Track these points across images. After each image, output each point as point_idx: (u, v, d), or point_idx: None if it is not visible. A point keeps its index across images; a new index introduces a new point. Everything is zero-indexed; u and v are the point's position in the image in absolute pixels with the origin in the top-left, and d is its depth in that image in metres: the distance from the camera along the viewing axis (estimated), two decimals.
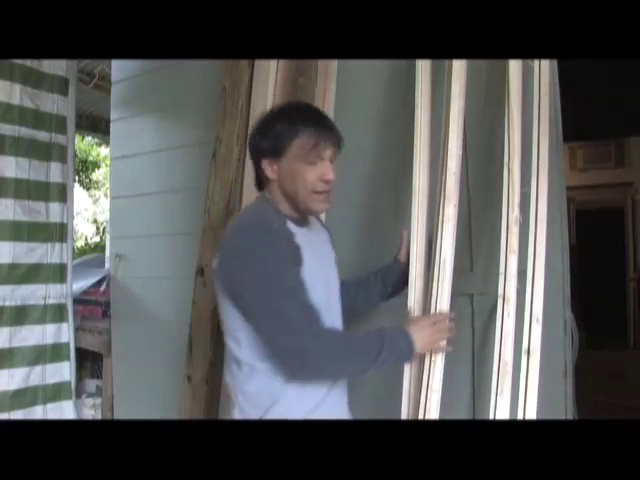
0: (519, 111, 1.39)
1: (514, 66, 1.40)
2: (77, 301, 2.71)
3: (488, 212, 1.58)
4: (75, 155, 2.78)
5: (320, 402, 1.20)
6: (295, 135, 1.16)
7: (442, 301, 1.33)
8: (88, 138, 8.81)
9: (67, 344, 2.58)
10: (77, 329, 2.66)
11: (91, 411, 2.70)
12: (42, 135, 2.48)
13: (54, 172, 2.53)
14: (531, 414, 1.25)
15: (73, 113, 2.61)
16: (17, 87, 2.36)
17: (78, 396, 2.64)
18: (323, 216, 1.75)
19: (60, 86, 2.54)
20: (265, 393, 1.18)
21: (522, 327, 1.31)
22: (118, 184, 2.66)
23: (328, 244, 1.38)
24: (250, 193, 1.74)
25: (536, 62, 1.40)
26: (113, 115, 2.67)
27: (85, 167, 9.96)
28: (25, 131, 2.41)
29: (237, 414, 1.22)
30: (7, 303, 2.38)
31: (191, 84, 2.31)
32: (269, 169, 1.21)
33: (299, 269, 1.15)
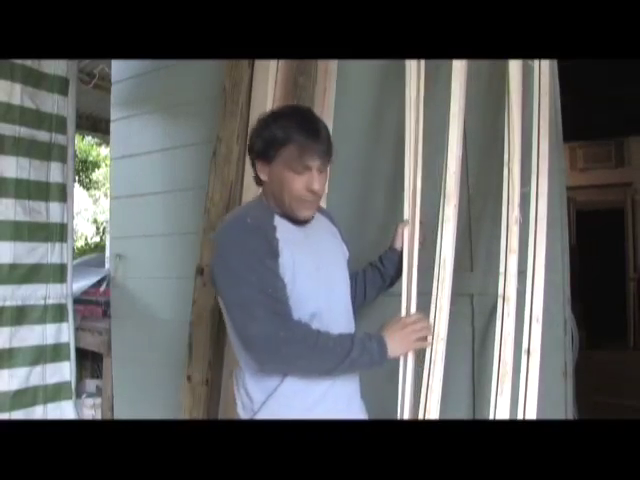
0: (519, 111, 1.39)
1: (514, 66, 1.40)
2: (77, 301, 2.71)
3: (488, 212, 1.58)
4: (75, 155, 2.78)
5: (320, 398, 1.20)
6: (284, 143, 1.17)
7: (442, 301, 1.33)
8: (88, 138, 8.82)
9: (67, 344, 2.58)
10: (77, 329, 2.66)
11: (91, 411, 2.70)
12: (42, 135, 2.48)
13: (54, 172, 2.53)
14: (531, 414, 1.25)
15: (73, 113, 2.61)
16: (17, 87, 2.36)
17: (78, 396, 2.64)
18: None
19: (60, 86, 2.54)
20: (261, 387, 1.19)
21: (522, 327, 1.31)
22: (118, 184, 2.66)
23: (333, 240, 1.37)
24: (250, 193, 1.74)
25: (536, 62, 1.40)
26: (113, 115, 2.67)
27: (85, 167, 9.96)
28: (25, 131, 2.41)
29: (240, 411, 1.24)
30: (7, 303, 2.38)
31: (191, 84, 2.31)
32: (262, 171, 1.23)
33: (273, 262, 1.16)
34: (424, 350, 1.32)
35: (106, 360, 2.65)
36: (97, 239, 9.88)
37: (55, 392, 2.52)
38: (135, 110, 2.57)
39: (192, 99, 2.31)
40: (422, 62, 1.49)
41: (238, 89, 1.95)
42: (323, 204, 1.81)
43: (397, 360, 1.30)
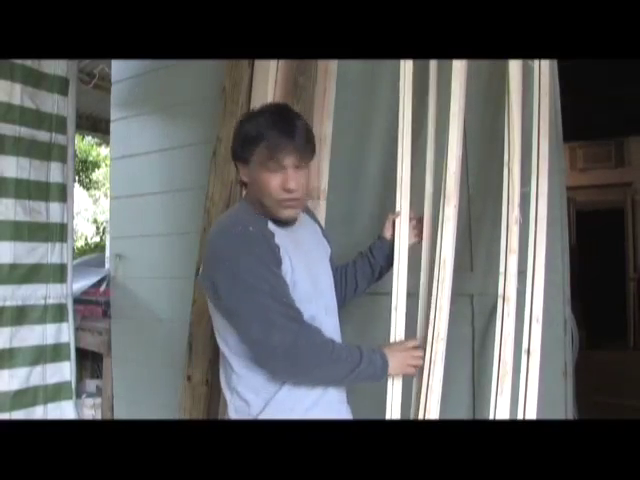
0: (519, 111, 1.39)
1: (514, 66, 1.40)
2: (77, 301, 2.71)
3: (488, 212, 1.58)
4: (75, 155, 2.78)
5: (314, 403, 1.20)
6: (257, 142, 1.15)
7: (442, 301, 1.33)
8: (88, 138, 8.81)
9: (67, 344, 2.58)
10: (77, 329, 2.66)
11: (91, 411, 2.70)
12: (42, 135, 2.47)
13: (54, 172, 2.53)
14: (531, 414, 1.25)
15: (73, 113, 2.61)
16: (18, 87, 2.36)
17: (78, 396, 2.64)
18: (322, 213, 1.76)
19: (60, 86, 2.54)
20: (259, 393, 1.19)
21: (522, 327, 1.31)
22: (118, 184, 2.66)
23: (318, 238, 1.37)
24: None
25: (536, 62, 1.40)
26: (113, 115, 2.67)
27: (85, 167, 9.96)
28: (26, 131, 2.41)
29: (232, 414, 1.22)
30: (8, 303, 2.38)
31: (191, 84, 2.31)
32: (243, 174, 1.22)
33: (279, 269, 1.15)
34: (425, 349, 1.32)
35: (106, 360, 2.65)
36: (97, 239, 9.88)
37: (55, 392, 2.52)
38: (135, 110, 2.57)
39: (192, 99, 2.31)
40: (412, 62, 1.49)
41: (238, 89, 1.95)
42: (323, 203, 1.82)
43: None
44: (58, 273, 2.55)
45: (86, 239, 9.92)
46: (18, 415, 2.36)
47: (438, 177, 1.44)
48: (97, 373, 2.84)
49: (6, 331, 2.37)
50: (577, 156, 5.94)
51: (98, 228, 10.11)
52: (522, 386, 1.27)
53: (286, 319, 1.11)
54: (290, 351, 1.10)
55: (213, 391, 1.89)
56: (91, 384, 2.83)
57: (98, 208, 10.17)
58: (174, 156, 2.38)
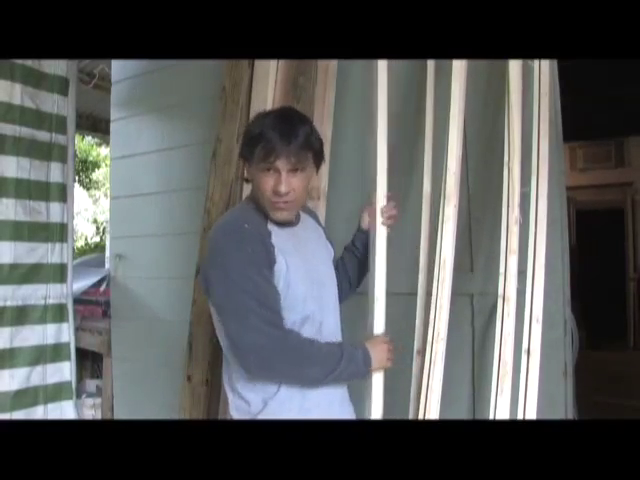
0: (519, 111, 1.39)
1: (514, 66, 1.40)
2: (77, 301, 2.71)
3: (488, 212, 1.58)
4: (75, 155, 2.78)
5: (316, 404, 1.20)
6: (257, 143, 1.16)
7: (442, 301, 1.33)
8: (88, 138, 8.81)
9: (67, 344, 2.58)
10: (77, 329, 2.66)
11: (91, 411, 2.70)
12: (42, 135, 2.47)
13: (54, 172, 2.53)
14: (531, 414, 1.25)
15: (73, 113, 2.61)
16: (18, 87, 2.36)
17: (78, 396, 2.64)
18: (322, 213, 1.76)
19: (60, 86, 2.54)
20: (259, 392, 1.19)
21: (522, 327, 1.31)
22: (118, 184, 2.66)
23: (321, 241, 1.37)
24: None
25: (536, 62, 1.40)
26: (113, 115, 2.67)
27: (85, 167, 9.96)
28: (26, 131, 2.41)
29: (234, 413, 1.23)
30: (8, 303, 2.38)
31: (191, 84, 2.31)
32: (246, 171, 1.25)
33: (270, 269, 1.16)
34: (425, 350, 1.32)
35: (106, 360, 2.65)
36: (97, 239, 9.88)
37: (56, 392, 2.52)
38: (135, 110, 2.57)
39: (192, 99, 2.31)
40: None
41: (238, 89, 1.95)
42: (323, 203, 1.82)
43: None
44: (58, 273, 2.55)
45: (86, 239, 9.92)
46: (19, 415, 2.37)
47: (438, 177, 1.44)
48: (97, 373, 2.84)
49: (6, 331, 2.37)
50: (577, 156, 5.93)
51: (98, 228, 10.10)
52: (522, 386, 1.27)
53: (262, 322, 1.12)
54: (261, 353, 1.12)
55: (213, 391, 1.89)
56: (91, 384, 2.83)
57: (98, 208, 10.17)
58: (174, 156, 2.38)
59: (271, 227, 1.21)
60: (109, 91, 2.70)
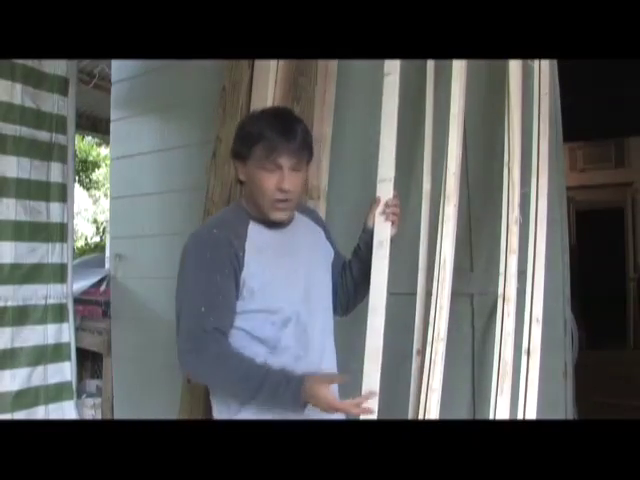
0: (519, 111, 1.39)
1: (514, 66, 1.41)
2: (77, 301, 2.71)
3: (488, 212, 1.58)
4: (75, 155, 2.79)
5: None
6: (256, 141, 1.17)
7: (442, 301, 1.33)
8: (88, 138, 8.81)
9: (68, 344, 2.58)
10: (77, 329, 2.66)
11: (91, 411, 2.70)
12: (43, 135, 2.48)
13: (54, 172, 2.53)
14: (531, 414, 1.25)
15: (73, 113, 2.61)
16: (18, 87, 2.36)
17: (78, 396, 2.64)
18: (322, 213, 1.76)
19: (60, 86, 2.54)
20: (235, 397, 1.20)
21: (522, 327, 1.31)
22: (118, 184, 2.66)
23: (317, 241, 1.35)
24: None
25: (536, 62, 1.40)
26: (113, 115, 2.67)
27: (85, 167, 9.96)
28: (26, 131, 2.41)
29: (215, 414, 1.25)
30: (9, 303, 2.38)
31: (191, 84, 2.31)
32: (240, 173, 1.23)
33: (228, 275, 1.16)
34: (425, 350, 1.32)
35: (106, 360, 2.65)
36: (97, 239, 9.88)
37: (56, 392, 2.52)
38: (135, 110, 2.57)
39: (192, 99, 2.31)
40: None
41: (238, 89, 1.95)
42: (323, 203, 1.82)
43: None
44: (58, 273, 2.56)
45: (86, 239, 9.92)
46: (20, 416, 2.37)
47: (438, 177, 1.44)
48: (97, 373, 2.84)
49: (7, 331, 2.37)
50: (577, 156, 5.93)
51: (98, 228, 10.10)
52: (522, 386, 1.27)
53: (194, 327, 1.15)
54: (187, 357, 1.17)
55: None
56: (91, 384, 2.83)
57: (98, 208, 10.16)
58: (174, 156, 2.38)
59: (253, 228, 1.21)
60: (109, 91, 2.71)
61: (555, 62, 1.51)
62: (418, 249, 1.56)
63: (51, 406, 2.49)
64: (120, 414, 2.56)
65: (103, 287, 2.78)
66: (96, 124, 4.59)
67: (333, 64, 1.86)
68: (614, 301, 5.71)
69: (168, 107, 2.43)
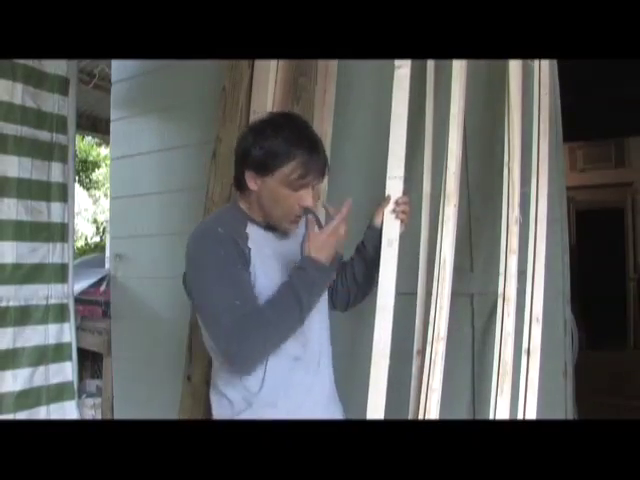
0: (519, 111, 1.39)
1: (514, 66, 1.40)
2: (77, 301, 2.71)
3: (488, 212, 1.58)
4: (75, 155, 2.79)
5: (299, 406, 1.20)
6: (287, 160, 1.15)
7: (442, 301, 1.32)
8: (88, 138, 8.82)
9: (69, 344, 2.58)
10: (77, 329, 2.66)
11: (91, 411, 2.70)
12: (43, 135, 2.48)
13: (55, 172, 2.53)
14: (531, 414, 1.25)
15: (74, 113, 2.62)
16: (19, 87, 2.37)
17: (78, 396, 2.64)
18: (322, 213, 1.76)
19: (61, 86, 2.54)
20: (241, 391, 1.20)
21: (522, 327, 1.31)
22: (118, 184, 2.66)
23: None
24: None
25: (536, 62, 1.39)
26: (113, 115, 2.67)
27: (85, 167, 9.97)
28: (27, 131, 2.41)
29: (215, 413, 1.25)
30: (11, 303, 2.38)
31: (191, 84, 2.31)
32: (252, 181, 1.20)
33: (244, 269, 1.16)
34: (424, 350, 1.32)
35: (106, 360, 2.65)
36: (97, 239, 9.89)
37: (58, 392, 2.52)
38: (135, 110, 2.57)
39: (192, 99, 2.31)
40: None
41: (238, 89, 1.95)
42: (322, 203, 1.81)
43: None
44: (59, 273, 2.56)
45: (86, 239, 9.92)
46: (22, 416, 2.37)
47: (438, 177, 1.44)
48: (97, 373, 2.84)
49: (9, 331, 2.37)
50: (577, 156, 5.93)
51: (98, 228, 10.11)
52: (522, 386, 1.27)
53: (234, 321, 1.10)
54: (241, 352, 1.11)
55: None
56: (91, 384, 2.83)
57: (98, 208, 10.17)
58: (174, 156, 2.38)
59: (252, 229, 1.21)
60: (109, 91, 2.71)
61: (555, 62, 1.51)
62: (418, 249, 1.56)
63: (52, 406, 2.49)
64: (120, 414, 2.56)
65: (103, 287, 2.78)
66: (96, 124, 4.60)
67: (333, 64, 1.86)
68: (614, 301, 5.70)
69: (168, 107, 2.43)
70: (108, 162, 6.11)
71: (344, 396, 1.37)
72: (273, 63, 1.87)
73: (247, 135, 1.22)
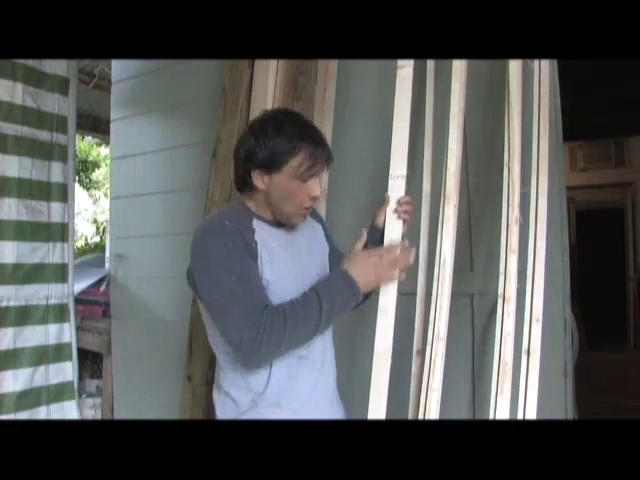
0: (519, 111, 1.39)
1: (514, 66, 1.40)
2: (77, 301, 2.71)
3: (488, 212, 1.58)
4: (75, 155, 2.79)
5: (301, 405, 1.20)
6: (293, 154, 1.16)
7: (442, 301, 1.32)
8: (88, 138, 8.82)
9: (69, 344, 2.58)
10: (77, 329, 2.67)
11: (91, 411, 2.70)
12: (44, 135, 2.48)
13: (55, 172, 2.53)
14: (531, 414, 1.25)
15: (74, 113, 2.62)
16: (19, 87, 2.37)
17: (78, 396, 2.64)
18: (323, 212, 1.76)
19: (61, 86, 2.54)
20: (245, 391, 1.20)
21: (522, 327, 1.31)
22: (118, 184, 2.66)
23: (313, 237, 1.35)
24: None
25: (536, 62, 1.40)
26: (113, 115, 2.67)
27: (85, 167, 9.97)
28: (27, 131, 2.41)
29: (219, 412, 1.24)
30: (12, 303, 2.39)
31: (191, 84, 2.32)
32: (259, 180, 1.20)
33: (252, 262, 1.15)
34: (424, 350, 1.32)
35: (106, 360, 2.65)
36: (97, 239, 9.89)
37: (58, 392, 2.53)
38: (135, 110, 2.57)
39: (192, 99, 2.31)
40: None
41: (238, 89, 1.95)
42: (323, 203, 1.82)
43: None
44: (59, 273, 2.56)
45: (86, 239, 9.93)
46: (22, 416, 2.38)
47: (438, 177, 1.44)
48: (97, 373, 2.84)
49: (10, 332, 2.37)
50: (577, 156, 5.94)
51: (98, 228, 10.11)
52: (522, 386, 1.27)
53: (243, 313, 1.09)
54: (247, 342, 1.09)
55: None
56: (91, 384, 2.84)
57: (98, 208, 10.17)
58: (174, 156, 2.38)
59: (258, 224, 1.21)
60: (109, 91, 2.71)
61: (555, 62, 1.51)
62: (418, 249, 1.56)
63: (53, 406, 2.49)
64: (120, 414, 2.56)
65: (103, 287, 2.78)
66: (96, 124, 4.60)
67: (333, 64, 1.86)
68: (614, 301, 5.71)
69: (168, 107, 2.43)
70: (108, 162, 6.11)
71: (345, 396, 1.37)
72: (273, 63, 1.88)
73: (248, 137, 1.22)
